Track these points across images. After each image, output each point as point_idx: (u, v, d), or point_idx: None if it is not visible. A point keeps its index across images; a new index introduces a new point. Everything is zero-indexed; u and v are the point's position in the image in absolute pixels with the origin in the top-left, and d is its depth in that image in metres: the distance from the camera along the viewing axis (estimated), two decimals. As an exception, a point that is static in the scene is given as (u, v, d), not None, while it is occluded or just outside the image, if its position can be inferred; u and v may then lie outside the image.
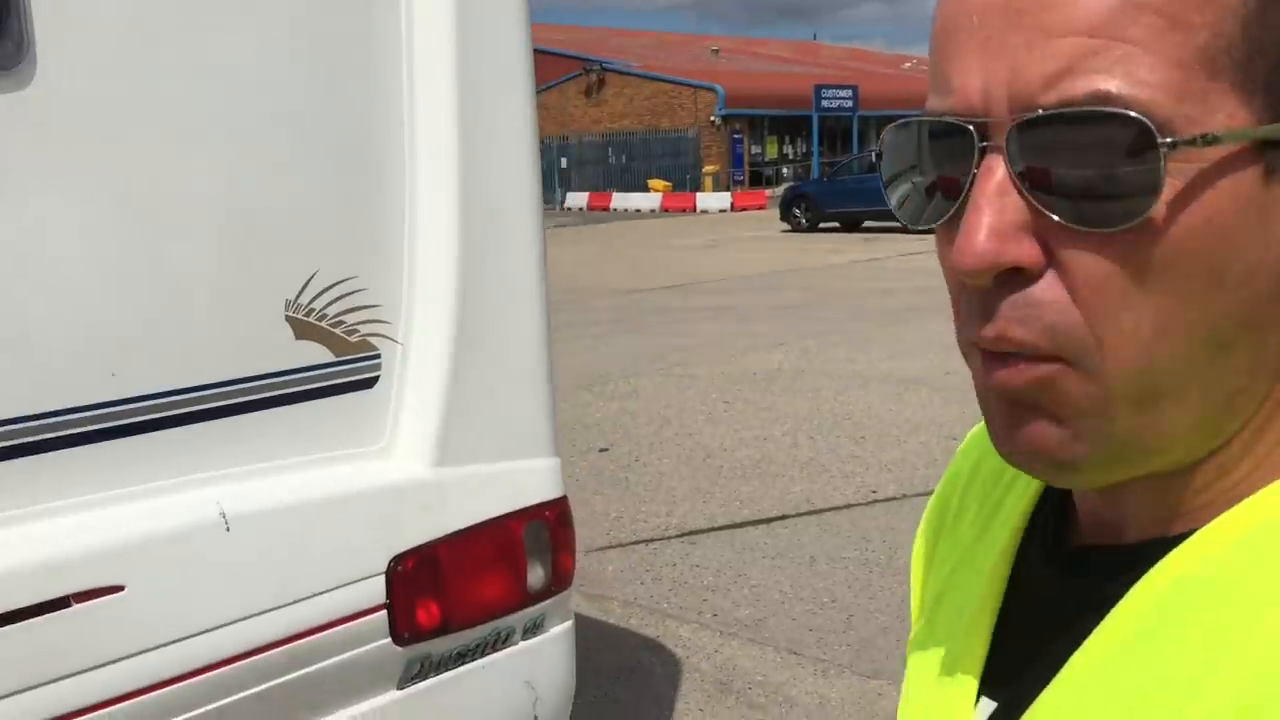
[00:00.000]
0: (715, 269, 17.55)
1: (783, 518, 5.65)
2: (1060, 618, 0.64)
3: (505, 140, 2.18)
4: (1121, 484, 0.60)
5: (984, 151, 0.53)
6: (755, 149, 43.31)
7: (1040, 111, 0.51)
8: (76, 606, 1.69)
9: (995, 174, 0.53)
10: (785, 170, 42.69)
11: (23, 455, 1.67)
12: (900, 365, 8.90)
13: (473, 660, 2.19)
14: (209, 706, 1.82)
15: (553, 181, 39.14)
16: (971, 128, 0.53)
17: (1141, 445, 0.57)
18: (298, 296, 1.96)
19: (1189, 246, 0.52)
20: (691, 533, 5.48)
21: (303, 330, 1.97)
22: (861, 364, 9.34)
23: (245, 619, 1.87)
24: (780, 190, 29.50)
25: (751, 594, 4.69)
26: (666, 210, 34.56)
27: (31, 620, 1.64)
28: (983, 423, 0.81)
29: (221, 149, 1.86)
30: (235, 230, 1.88)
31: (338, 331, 2.02)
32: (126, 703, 1.73)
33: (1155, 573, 0.58)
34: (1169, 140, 0.50)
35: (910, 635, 0.86)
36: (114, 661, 1.72)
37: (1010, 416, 0.57)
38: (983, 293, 0.54)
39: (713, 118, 41.41)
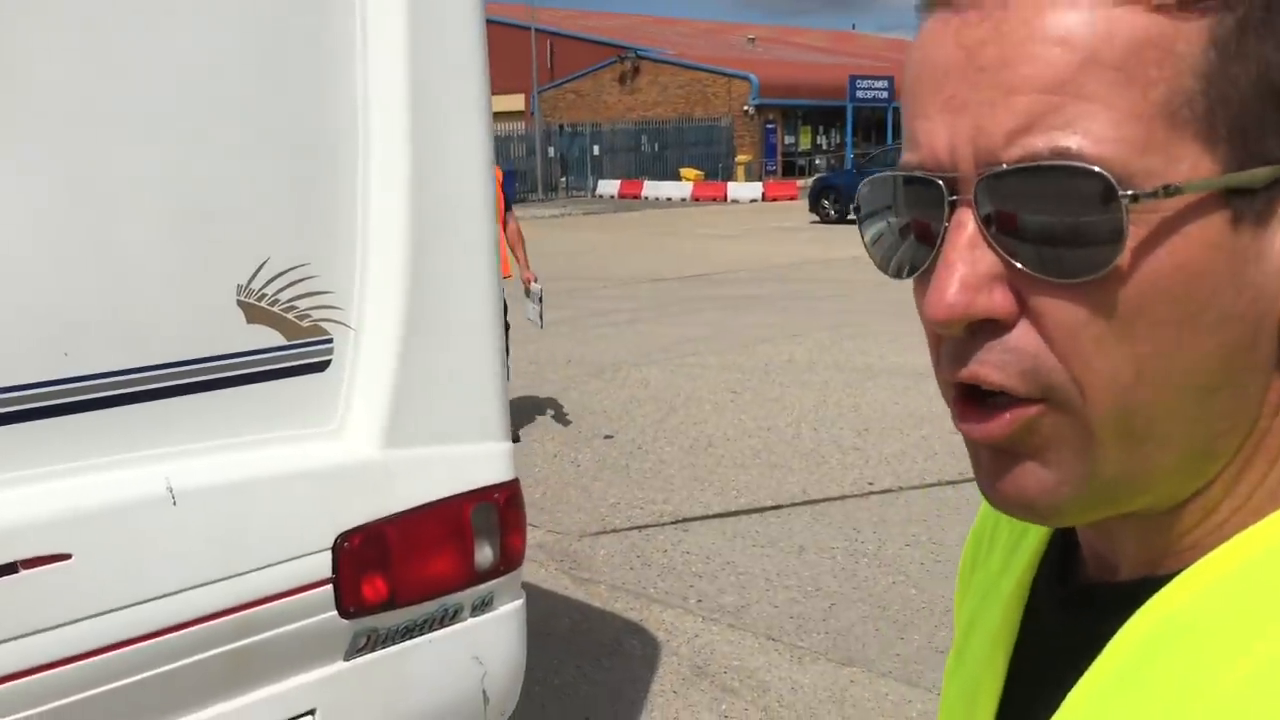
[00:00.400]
0: (740, 260, 17.57)
1: (776, 507, 5.70)
2: (1062, 655, 0.65)
3: (458, 133, 2.25)
4: (1113, 524, 0.61)
5: (954, 205, 0.54)
6: (789, 139, 43.20)
7: (1004, 166, 0.52)
8: (24, 572, 1.78)
9: (966, 227, 0.54)
10: (819, 161, 42.56)
11: (-25, 429, 1.76)
12: (911, 359, 8.91)
13: (420, 635, 2.27)
14: (154, 671, 1.91)
15: (584, 169, 39.18)
16: (941, 182, 0.55)
17: (1125, 486, 0.58)
18: (249, 282, 2.04)
19: (1159, 293, 0.53)
20: (685, 520, 5.55)
21: (254, 314, 2.05)
22: (873, 357, 9.36)
23: (191, 589, 1.95)
24: (812, 181, 29.41)
25: (737, 581, 4.76)
26: (697, 199, 34.56)
27: (-19, 584, 1.74)
28: None
29: (174, 137, 1.93)
30: (186, 217, 1.96)
31: (289, 316, 2.10)
32: (73, 665, 1.82)
33: (1141, 614, 0.59)
34: (1131, 193, 0.51)
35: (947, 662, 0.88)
36: (61, 626, 1.81)
37: (996, 463, 0.58)
38: (957, 340, 0.56)
39: (746, 107, 41.33)
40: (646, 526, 5.47)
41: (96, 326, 1.87)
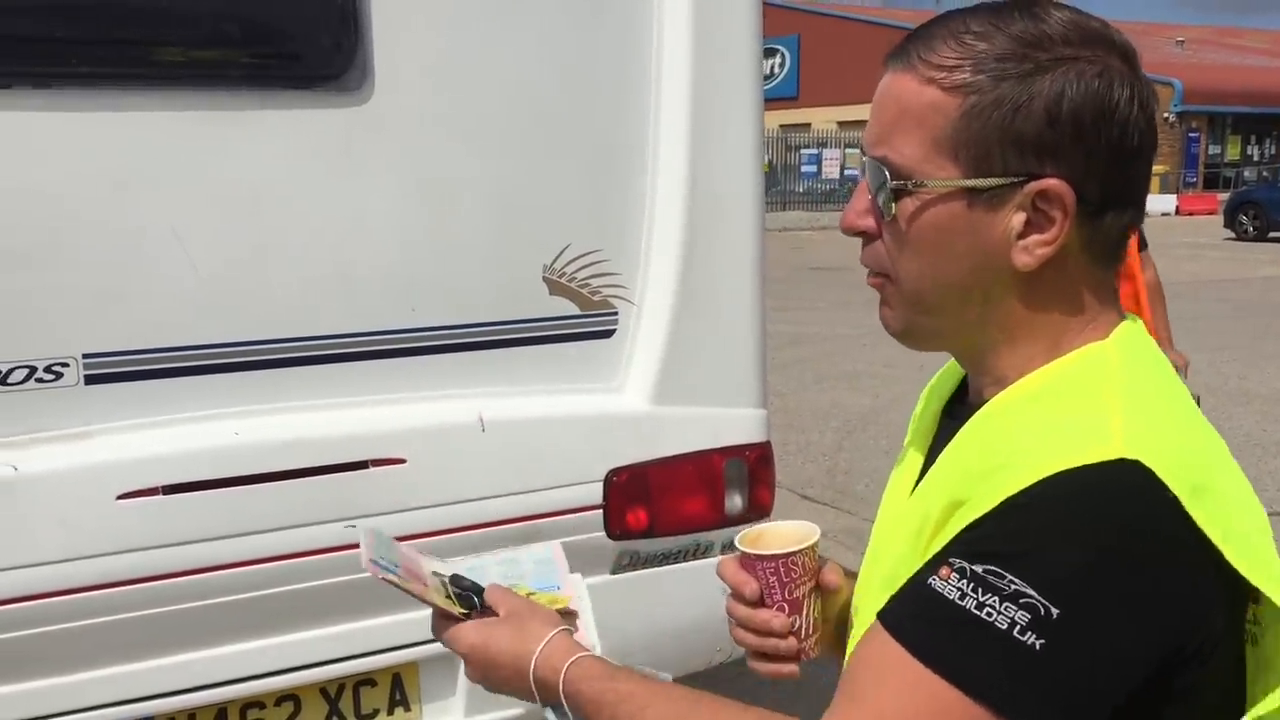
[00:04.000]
0: (1132, 275, 16.67)
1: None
2: (946, 444, 1.12)
3: (731, 140, 2.66)
4: (973, 374, 1.11)
5: (864, 168, 1.07)
6: (1214, 149, 39.87)
7: (870, 157, 1.05)
8: (373, 469, 2.38)
9: (862, 181, 1.08)
10: (1247, 173, 38.99)
11: (347, 361, 2.39)
12: (1293, 386, 8.31)
13: (675, 563, 2.71)
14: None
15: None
16: (865, 157, 1.07)
17: (926, 332, 1.09)
18: (553, 262, 2.56)
19: (924, 232, 1.03)
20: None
21: (555, 288, 2.57)
22: (1253, 381, 8.80)
23: (492, 497, 2.49)
24: (1229, 195, 27.09)
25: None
26: (1101, 212, 32.73)
27: (343, 474, 2.36)
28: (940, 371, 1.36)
29: (502, 146, 2.48)
30: (508, 209, 2.50)
31: (583, 291, 2.60)
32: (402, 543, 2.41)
33: (974, 418, 1.06)
34: (911, 180, 1.02)
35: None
36: (395, 512, 2.40)
37: (880, 304, 1.10)
38: (862, 241, 1.09)
39: (1166, 114, 38.56)
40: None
41: (435, 290, 2.45)
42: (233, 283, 2.27)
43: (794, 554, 1.20)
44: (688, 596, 2.74)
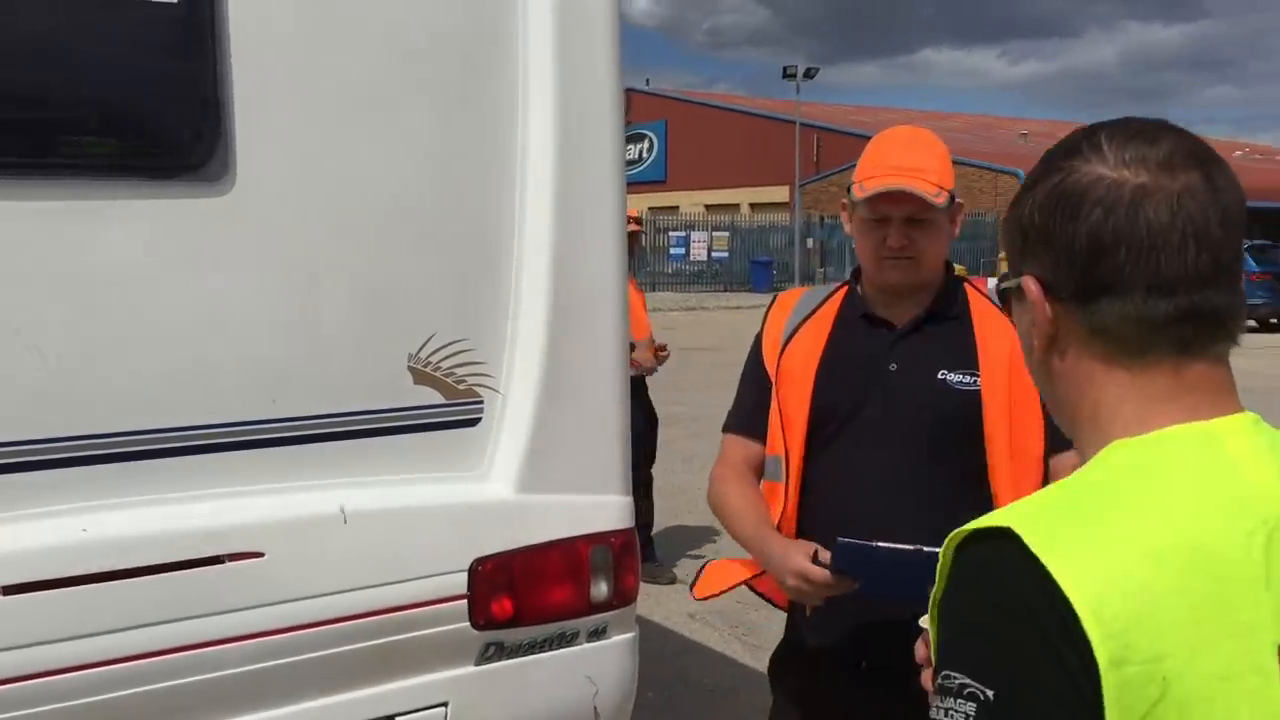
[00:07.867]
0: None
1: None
2: None
3: (595, 234, 2.71)
4: None
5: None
6: (1058, 235, 41.92)
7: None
8: (229, 564, 2.33)
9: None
10: (1090, 258, 41.06)
11: (201, 453, 2.34)
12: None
13: (541, 652, 2.69)
14: (319, 653, 2.42)
15: (842, 260, 39.33)
16: None
17: None
18: (419, 351, 2.56)
19: None
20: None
21: (421, 377, 2.57)
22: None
23: (354, 590, 2.45)
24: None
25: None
26: (956, 294, 34.00)
27: (196, 570, 2.29)
28: None
29: (366, 237, 2.48)
30: (373, 299, 2.50)
31: (449, 380, 2.61)
32: (258, 639, 2.35)
33: None
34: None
35: None
36: (252, 608, 2.34)
37: None
38: None
39: (1013, 202, 40.44)
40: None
41: (297, 381, 2.43)
42: (85, 375, 2.21)
43: None
44: (554, 685, 2.73)
